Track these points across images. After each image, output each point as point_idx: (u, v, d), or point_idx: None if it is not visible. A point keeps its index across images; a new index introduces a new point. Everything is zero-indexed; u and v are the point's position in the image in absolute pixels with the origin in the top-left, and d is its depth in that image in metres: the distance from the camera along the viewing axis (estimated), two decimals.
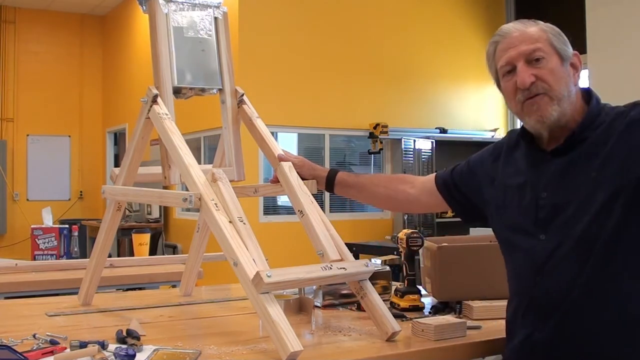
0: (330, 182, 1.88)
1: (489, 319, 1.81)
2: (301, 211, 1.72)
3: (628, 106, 1.45)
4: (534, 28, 1.50)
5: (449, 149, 7.50)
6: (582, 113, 1.49)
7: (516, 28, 1.51)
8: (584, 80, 6.07)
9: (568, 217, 1.43)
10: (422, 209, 1.97)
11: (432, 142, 7.47)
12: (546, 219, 1.46)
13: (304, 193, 1.76)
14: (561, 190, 1.46)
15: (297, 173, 1.83)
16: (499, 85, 1.57)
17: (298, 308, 1.90)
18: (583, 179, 1.42)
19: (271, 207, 6.98)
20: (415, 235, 2.00)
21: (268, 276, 1.41)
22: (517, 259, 1.55)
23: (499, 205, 1.60)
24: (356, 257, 4.97)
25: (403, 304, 1.96)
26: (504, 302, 1.62)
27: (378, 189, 1.89)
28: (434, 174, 1.84)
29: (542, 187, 1.49)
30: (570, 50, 1.50)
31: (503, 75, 1.52)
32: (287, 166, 1.82)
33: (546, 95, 1.45)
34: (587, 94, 1.52)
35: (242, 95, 1.97)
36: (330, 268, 1.57)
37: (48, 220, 3.70)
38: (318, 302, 2.01)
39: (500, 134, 7.96)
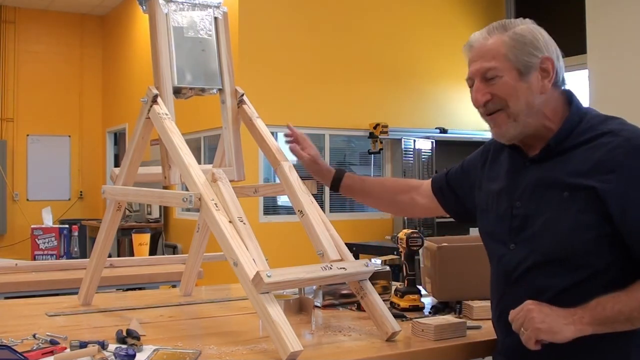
0: (336, 182, 1.90)
1: (489, 319, 1.80)
2: (301, 211, 1.72)
3: (615, 125, 1.41)
4: (495, 40, 1.45)
5: (449, 149, 7.49)
6: (560, 118, 1.46)
7: (477, 40, 1.48)
8: (583, 81, 6.08)
9: (536, 231, 1.43)
10: (423, 213, 1.96)
11: (432, 142, 7.46)
12: (518, 229, 1.47)
13: (304, 193, 1.76)
14: (534, 201, 1.45)
15: (306, 166, 1.89)
16: None
17: (298, 308, 1.90)
18: (555, 195, 1.41)
19: (271, 207, 6.98)
20: (415, 235, 2.00)
21: (268, 276, 1.41)
22: (493, 265, 1.58)
23: (482, 209, 1.61)
24: (356, 257, 4.97)
25: (403, 304, 1.96)
26: None
27: (385, 194, 1.91)
28: (431, 178, 1.86)
29: (518, 195, 1.48)
30: (535, 59, 1.43)
31: (469, 86, 1.52)
32: (287, 166, 1.82)
33: (503, 112, 1.45)
34: (568, 97, 1.48)
35: (242, 95, 1.97)
36: (330, 268, 1.57)
37: (48, 220, 3.70)
38: (318, 302, 2.01)
39: None
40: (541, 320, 1.31)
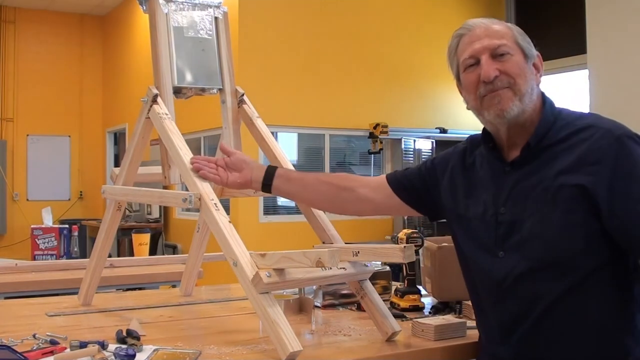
0: (269, 176, 1.66)
1: None
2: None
3: (592, 119, 1.41)
4: (500, 25, 1.48)
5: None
6: (538, 116, 1.46)
7: (482, 22, 1.49)
8: (583, 81, 6.08)
9: (524, 236, 1.39)
10: (374, 211, 1.72)
11: (432, 142, 7.47)
12: (504, 236, 1.43)
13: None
14: (518, 206, 1.42)
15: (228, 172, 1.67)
16: (458, 80, 1.53)
17: (298, 308, 1.90)
18: (539, 198, 1.38)
19: (271, 207, 6.98)
20: (415, 235, 2.00)
21: (268, 276, 1.41)
22: (477, 275, 1.51)
23: (461, 215, 1.55)
24: None
25: (403, 304, 1.96)
26: None
27: (322, 186, 1.69)
28: (383, 175, 1.72)
29: (502, 202, 1.45)
30: (534, 50, 1.48)
31: (465, 68, 1.48)
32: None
33: (509, 89, 1.42)
34: (542, 97, 1.48)
35: (242, 95, 1.97)
36: (330, 268, 1.57)
37: (48, 220, 3.71)
38: (318, 302, 2.01)
39: None
40: None
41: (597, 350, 1.36)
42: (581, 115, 1.45)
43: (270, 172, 1.67)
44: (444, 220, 1.65)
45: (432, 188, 1.64)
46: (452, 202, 1.58)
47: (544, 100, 1.48)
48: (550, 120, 1.44)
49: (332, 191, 1.69)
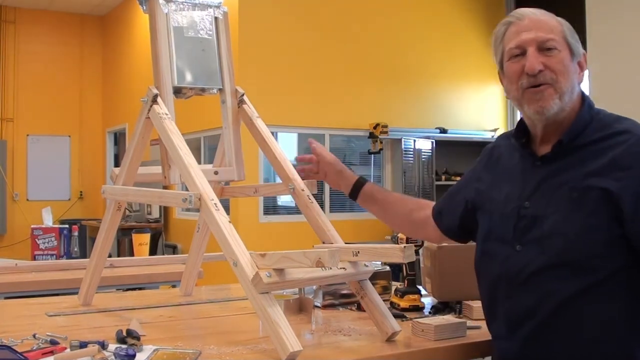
0: (355, 191, 1.87)
1: None
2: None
3: (629, 124, 1.41)
4: (550, 18, 1.47)
5: (449, 149, 7.49)
6: (576, 114, 1.45)
7: (533, 12, 1.47)
8: (584, 80, 6.07)
9: (545, 232, 1.39)
10: (436, 237, 1.81)
11: (432, 142, 7.47)
12: (524, 230, 1.43)
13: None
14: (543, 202, 1.41)
15: (324, 170, 1.88)
16: (501, 68, 1.53)
17: (298, 308, 1.90)
18: (564, 196, 1.38)
19: (271, 207, 6.98)
20: None
21: (268, 276, 1.41)
22: (492, 267, 1.50)
23: (485, 209, 1.56)
24: None
25: (403, 304, 1.96)
26: None
27: (404, 208, 1.82)
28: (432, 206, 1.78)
29: (527, 195, 1.45)
30: (580, 48, 1.47)
31: (510, 57, 1.47)
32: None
33: (551, 87, 1.42)
34: (581, 97, 1.48)
35: (242, 95, 1.97)
36: (330, 268, 1.57)
37: (48, 220, 3.71)
38: (318, 302, 2.01)
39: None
40: None
41: (603, 352, 1.35)
42: (618, 118, 1.45)
43: (359, 185, 1.86)
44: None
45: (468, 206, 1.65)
46: (480, 202, 1.59)
47: (584, 99, 1.48)
48: (587, 120, 1.44)
49: (408, 214, 1.81)
